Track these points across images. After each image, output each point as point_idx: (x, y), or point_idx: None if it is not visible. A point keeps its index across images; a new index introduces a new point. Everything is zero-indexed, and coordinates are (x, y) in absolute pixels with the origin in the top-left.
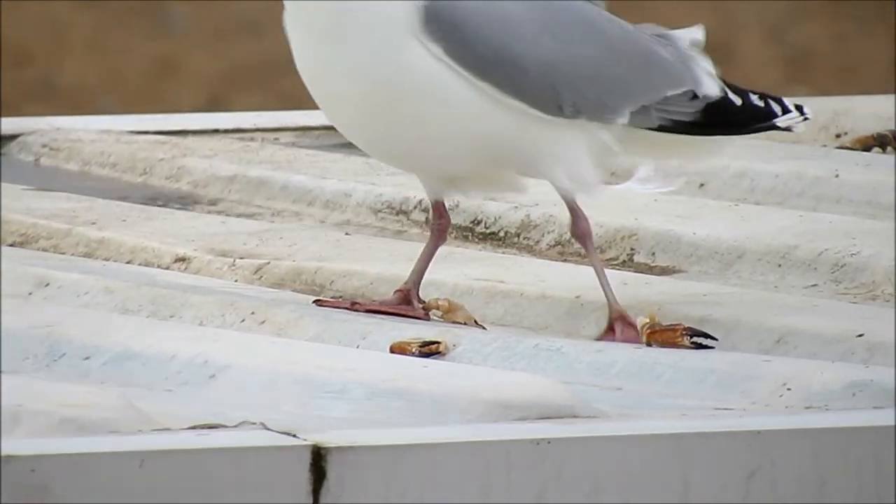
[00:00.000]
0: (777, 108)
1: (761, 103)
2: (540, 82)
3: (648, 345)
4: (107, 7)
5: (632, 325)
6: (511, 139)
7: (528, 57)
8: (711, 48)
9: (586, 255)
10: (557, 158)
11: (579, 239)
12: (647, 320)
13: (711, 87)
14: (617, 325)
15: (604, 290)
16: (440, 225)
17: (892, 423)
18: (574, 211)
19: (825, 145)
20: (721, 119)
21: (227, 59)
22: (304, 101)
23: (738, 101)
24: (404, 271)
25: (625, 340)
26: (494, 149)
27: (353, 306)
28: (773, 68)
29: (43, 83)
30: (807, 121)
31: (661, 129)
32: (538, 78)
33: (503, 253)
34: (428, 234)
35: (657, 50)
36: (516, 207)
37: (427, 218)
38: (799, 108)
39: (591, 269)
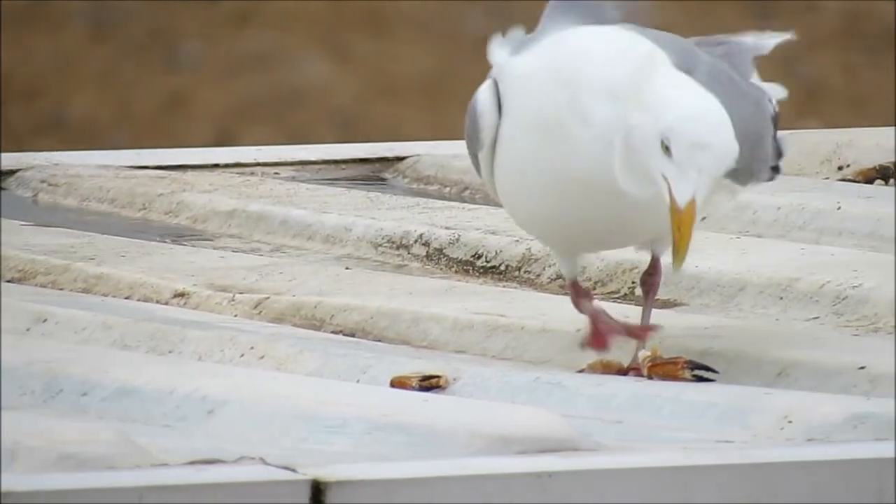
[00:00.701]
0: None
1: None
2: (744, 163)
3: (649, 378)
4: (117, 42)
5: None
6: (708, 212)
7: (735, 138)
8: None
9: (645, 304)
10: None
11: (651, 288)
12: (649, 353)
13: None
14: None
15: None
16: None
17: (894, 456)
18: (657, 264)
19: (827, 177)
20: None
21: (236, 93)
22: (310, 134)
23: None
24: (405, 305)
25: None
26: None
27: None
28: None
29: (52, 118)
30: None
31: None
32: (744, 161)
33: (504, 287)
34: (428, 267)
35: (755, 89)
36: (517, 241)
37: (428, 252)
38: None
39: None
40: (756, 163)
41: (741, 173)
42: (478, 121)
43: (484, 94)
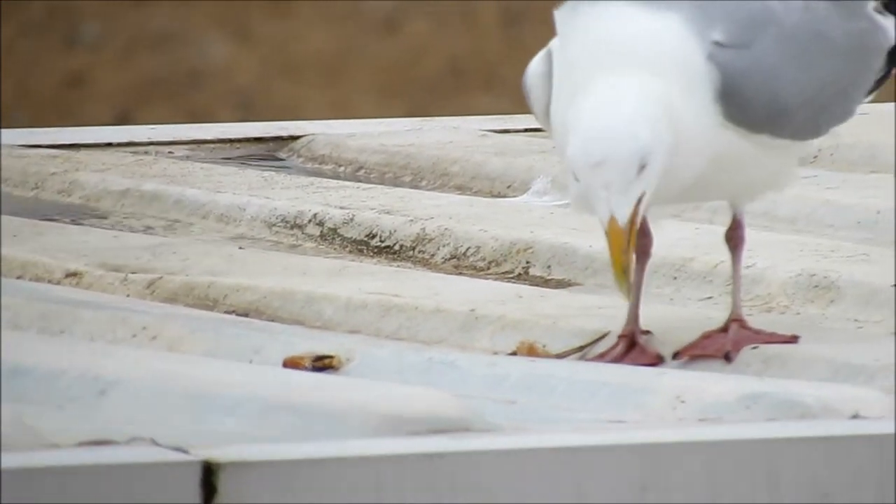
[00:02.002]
0: None
1: None
2: (804, 119)
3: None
4: (17, 21)
5: (748, 329)
6: (771, 170)
7: (793, 104)
8: None
9: (735, 259)
10: (791, 170)
11: (739, 243)
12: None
13: (891, 36)
14: (733, 326)
15: (735, 291)
16: (644, 245)
17: (786, 435)
18: (740, 219)
19: None
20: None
21: (136, 73)
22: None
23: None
24: (298, 285)
25: (735, 342)
26: (751, 183)
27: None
28: None
29: None
30: None
31: None
32: (803, 116)
33: (398, 266)
34: (322, 247)
35: (863, 26)
36: (412, 221)
37: (322, 231)
38: None
39: (485, 283)
40: (826, 115)
41: (802, 131)
42: (528, 94)
43: (533, 67)
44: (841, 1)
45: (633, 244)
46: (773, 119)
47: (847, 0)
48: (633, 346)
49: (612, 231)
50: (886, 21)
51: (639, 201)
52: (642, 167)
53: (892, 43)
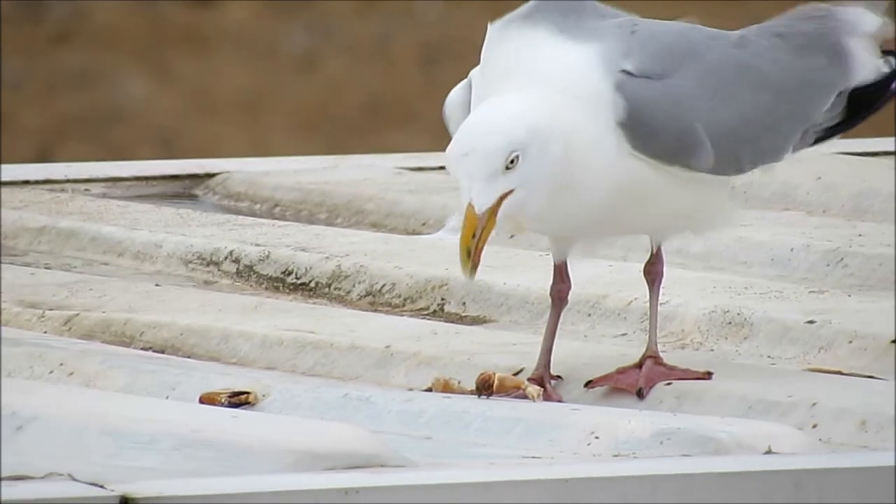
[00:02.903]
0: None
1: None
2: (723, 153)
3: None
4: None
5: (663, 365)
6: (689, 204)
7: (706, 136)
8: None
9: (651, 294)
10: (718, 207)
11: (657, 277)
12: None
13: (866, 71)
14: (647, 362)
15: (652, 327)
16: (561, 291)
17: (700, 471)
18: (659, 253)
19: None
20: (863, 106)
21: (57, 111)
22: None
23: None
24: (214, 322)
25: (648, 378)
26: (669, 216)
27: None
28: None
29: None
30: None
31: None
32: (721, 150)
33: (314, 303)
34: (238, 284)
35: (811, 64)
36: (327, 258)
37: (238, 269)
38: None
39: (400, 320)
40: (749, 150)
41: (721, 165)
42: (447, 122)
43: (452, 95)
44: (798, 35)
45: (487, 234)
46: (683, 150)
47: (804, 34)
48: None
49: (467, 216)
50: (865, 60)
51: (503, 196)
52: (510, 162)
53: (855, 83)
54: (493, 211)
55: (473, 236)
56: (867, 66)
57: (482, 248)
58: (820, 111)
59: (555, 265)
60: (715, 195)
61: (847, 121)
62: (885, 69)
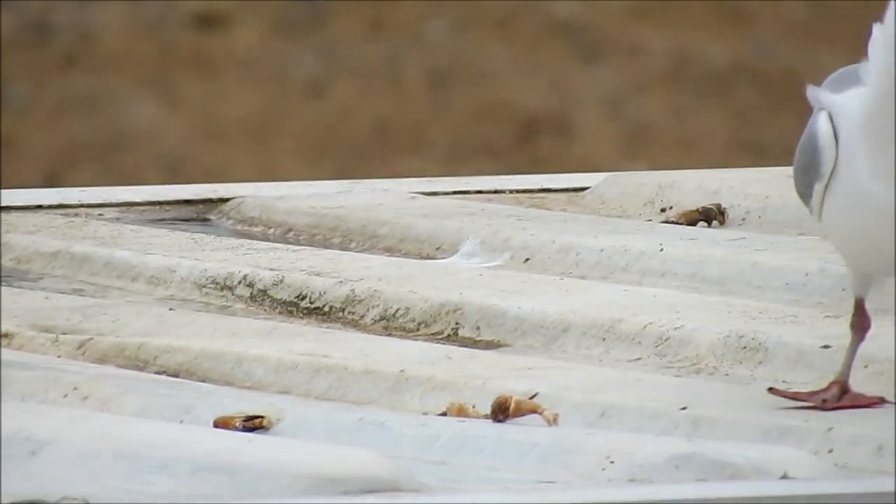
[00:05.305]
0: None
1: None
2: None
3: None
4: None
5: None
6: None
7: None
8: (549, 123)
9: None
10: None
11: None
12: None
13: None
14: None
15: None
16: (864, 323)
17: (716, 496)
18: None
19: (650, 219)
20: None
21: (64, 136)
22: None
23: None
24: (228, 346)
25: (837, 399)
26: None
27: (823, 404)
28: (610, 143)
29: None
30: None
31: None
32: None
33: (328, 328)
34: (252, 308)
35: None
36: (341, 282)
37: (252, 293)
38: None
39: (415, 344)
40: None
41: None
42: (820, 154)
43: (824, 126)
44: None
45: None
46: None
47: None
48: (845, 393)
49: None
50: None
51: None
52: None
53: None
54: None
55: None
56: None
57: None
58: None
59: (856, 300)
60: None
61: None
62: None
